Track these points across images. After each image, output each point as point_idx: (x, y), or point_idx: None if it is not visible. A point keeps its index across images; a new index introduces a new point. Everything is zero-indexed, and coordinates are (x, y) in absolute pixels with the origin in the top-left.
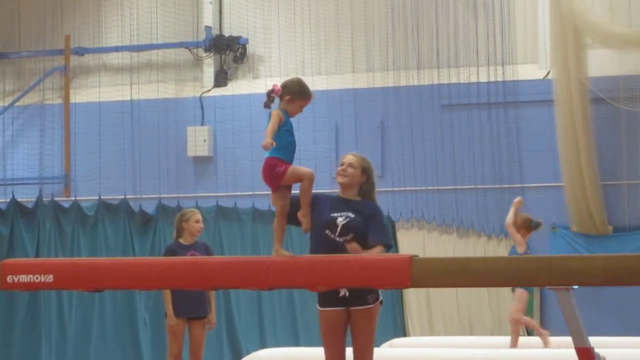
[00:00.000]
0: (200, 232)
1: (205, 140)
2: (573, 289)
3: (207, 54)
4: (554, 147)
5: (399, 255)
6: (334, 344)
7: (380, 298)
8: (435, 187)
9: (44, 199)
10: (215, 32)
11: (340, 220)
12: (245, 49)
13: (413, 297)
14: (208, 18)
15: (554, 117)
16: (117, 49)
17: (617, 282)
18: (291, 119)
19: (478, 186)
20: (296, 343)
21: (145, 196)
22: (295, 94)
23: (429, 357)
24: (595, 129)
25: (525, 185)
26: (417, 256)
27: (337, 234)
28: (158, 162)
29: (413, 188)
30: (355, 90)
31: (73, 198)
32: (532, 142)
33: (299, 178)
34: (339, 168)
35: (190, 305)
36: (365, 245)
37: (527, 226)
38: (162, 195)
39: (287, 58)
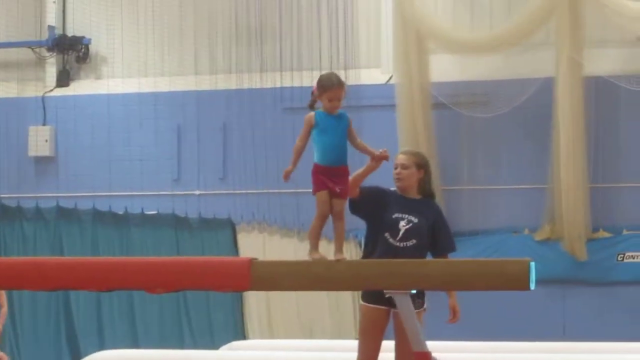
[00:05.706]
0: None
1: (46, 140)
2: (411, 293)
3: (50, 53)
4: (395, 151)
5: (238, 258)
6: (373, 341)
7: (425, 306)
8: (276, 190)
9: None
10: (58, 31)
11: (403, 225)
12: (88, 49)
13: (253, 299)
14: (51, 17)
15: (396, 122)
16: None
17: (454, 287)
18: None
19: None
20: (135, 345)
21: None
22: (320, 87)
23: None
24: (436, 134)
25: None
26: (256, 259)
27: (397, 238)
28: None
29: (254, 191)
30: (197, 92)
31: None
32: (374, 145)
33: (320, 208)
34: (393, 171)
35: None
36: (426, 250)
37: None
38: (2, 195)
39: (131, 59)
